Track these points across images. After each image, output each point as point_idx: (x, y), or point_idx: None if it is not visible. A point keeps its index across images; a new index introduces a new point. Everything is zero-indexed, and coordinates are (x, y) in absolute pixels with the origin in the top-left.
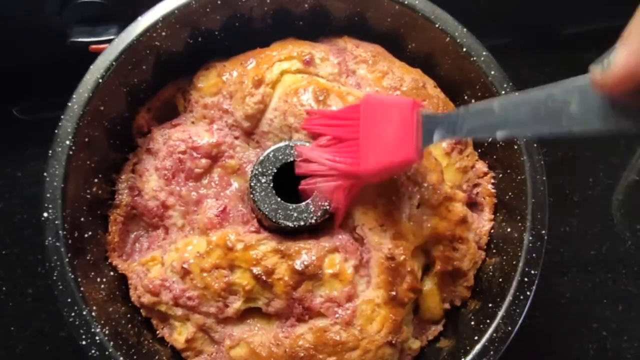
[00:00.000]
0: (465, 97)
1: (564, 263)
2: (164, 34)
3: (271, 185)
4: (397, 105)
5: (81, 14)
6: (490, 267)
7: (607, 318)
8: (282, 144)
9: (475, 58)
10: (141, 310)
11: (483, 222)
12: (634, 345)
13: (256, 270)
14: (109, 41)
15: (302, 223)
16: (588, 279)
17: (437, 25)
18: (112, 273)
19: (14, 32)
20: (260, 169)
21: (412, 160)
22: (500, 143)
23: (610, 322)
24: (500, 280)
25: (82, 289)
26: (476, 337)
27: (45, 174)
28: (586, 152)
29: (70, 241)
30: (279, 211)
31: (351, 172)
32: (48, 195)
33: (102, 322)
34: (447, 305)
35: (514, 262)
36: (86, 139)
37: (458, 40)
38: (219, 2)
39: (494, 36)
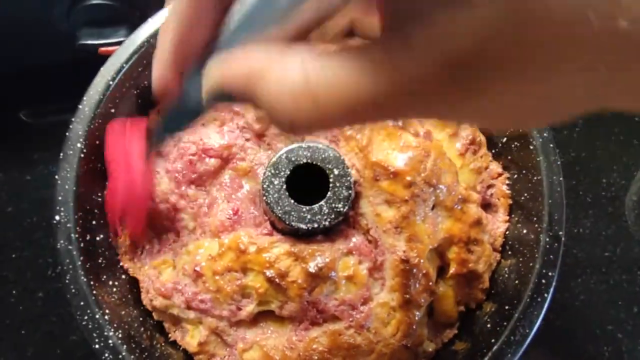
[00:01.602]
0: None
1: (578, 265)
2: None
3: (284, 187)
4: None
5: (89, 16)
6: (506, 269)
7: (622, 320)
8: (294, 145)
9: None
10: (153, 314)
11: (498, 224)
12: None
13: (269, 273)
14: (118, 43)
15: (315, 225)
16: (602, 281)
17: None
18: (123, 276)
19: (22, 35)
20: (273, 171)
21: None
22: (516, 144)
23: (625, 324)
24: (517, 282)
25: (94, 292)
26: (493, 340)
27: (56, 177)
28: (599, 153)
29: (82, 244)
30: (292, 213)
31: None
32: (60, 198)
33: (115, 325)
34: (462, 308)
35: (530, 264)
36: (97, 142)
37: None
38: None
39: None
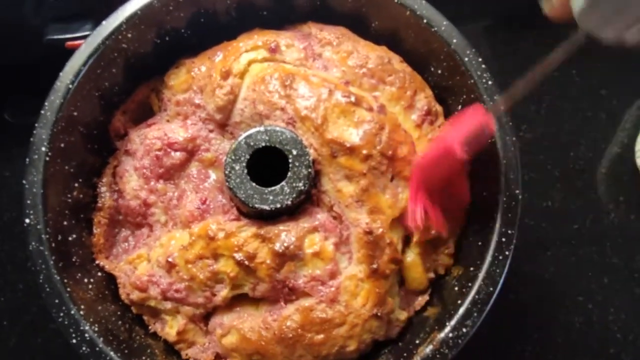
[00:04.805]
0: (432, 69)
1: (547, 238)
2: (129, 35)
3: (245, 171)
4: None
5: (57, 11)
6: (470, 232)
7: (592, 291)
8: (252, 130)
9: (436, 28)
10: (132, 308)
11: None
12: (621, 317)
13: (238, 256)
14: (85, 37)
15: (278, 205)
16: (572, 253)
17: (395, 0)
18: (99, 274)
19: None
20: (233, 157)
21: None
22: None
23: (595, 295)
24: (480, 243)
25: (68, 289)
26: (460, 301)
27: (24, 181)
28: (567, 126)
29: (54, 245)
30: (255, 196)
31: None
32: (28, 201)
33: (91, 320)
34: (431, 275)
35: (491, 225)
36: (62, 145)
37: (418, 13)
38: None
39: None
